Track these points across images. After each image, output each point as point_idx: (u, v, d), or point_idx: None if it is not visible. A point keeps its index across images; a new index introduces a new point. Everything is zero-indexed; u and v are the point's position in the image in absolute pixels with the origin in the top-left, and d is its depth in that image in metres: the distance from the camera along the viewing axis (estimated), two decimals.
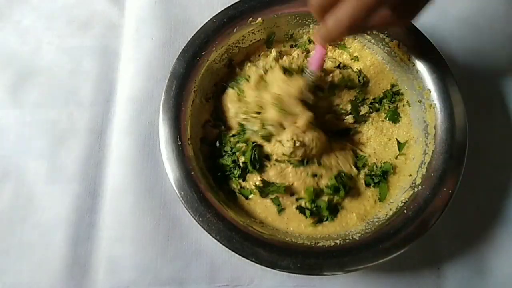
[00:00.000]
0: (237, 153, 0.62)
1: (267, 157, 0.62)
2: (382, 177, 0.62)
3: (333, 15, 0.47)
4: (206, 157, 0.63)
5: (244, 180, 0.62)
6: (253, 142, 0.62)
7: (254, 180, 0.61)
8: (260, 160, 0.61)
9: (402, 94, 0.66)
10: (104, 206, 0.64)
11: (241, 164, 0.62)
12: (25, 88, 0.71)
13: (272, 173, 0.62)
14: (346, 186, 0.61)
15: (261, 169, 0.62)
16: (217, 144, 0.64)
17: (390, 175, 0.63)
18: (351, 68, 0.69)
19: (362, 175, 0.63)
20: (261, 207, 0.61)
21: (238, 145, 0.62)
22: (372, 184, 0.62)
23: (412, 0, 0.49)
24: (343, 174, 0.61)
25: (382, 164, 0.63)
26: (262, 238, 0.55)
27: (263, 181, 0.61)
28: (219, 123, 0.65)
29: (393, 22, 0.49)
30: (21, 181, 0.66)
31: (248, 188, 0.62)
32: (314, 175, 0.61)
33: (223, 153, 0.63)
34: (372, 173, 0.63)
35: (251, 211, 0.61)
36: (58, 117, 0.69)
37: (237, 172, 0.62)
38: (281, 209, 0.61)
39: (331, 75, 0.66)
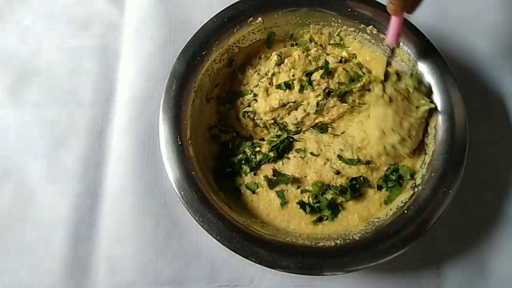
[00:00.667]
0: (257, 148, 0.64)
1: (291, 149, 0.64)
2: (396, 182, 0.62)
3: None
4: (212, 156, 0.64)
5: (255, 174, 0.63)
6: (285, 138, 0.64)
7: (266, 172, 0.62)
8: (283, 151, 0.63)
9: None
10: (104, 206, 0.64)
11: (257, 157, 0.63)
12: (25, 88, 0.71)
13: (292, 166, 0.63)
14: (356, 192, 0.61)
15: (279, 160, 0.63)
16: (230, 145, 0.65)
17: (405, 180, 0.62)
18: (352, 62, 0.69)
19: (376, 178, 0.62)
20: (265, 201, 0.61)
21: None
22: (384, 188, 0.62)
23: None
24: (361, 180, 0.61)
25: (400, 167, 0.62)
26: (262, 238, 0.55)
27: (274, 171, 0.62)
28: (230, 129, 0.66)
29: None
30: (21, 181, 0.66)
31: (256, 182, 0.62)
32: (338, 172, 0.62)
33: (237, 152, 0.64)
34: (388, 177, 0.62)
35: (253, 208, 0.61)
36: (58, 117, 0.69)
37: (247, 167, 0.63)
38: (284, 202, 0.61)
39: (336, 75, 0.65)
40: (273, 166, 0.63)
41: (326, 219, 0.60)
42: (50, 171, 0.66)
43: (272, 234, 0.57)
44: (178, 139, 0.59)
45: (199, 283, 0.61)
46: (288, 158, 0.63)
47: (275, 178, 0.62)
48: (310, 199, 0.61)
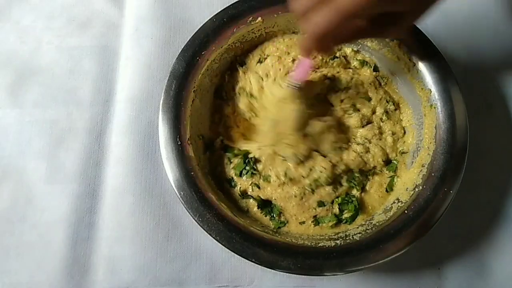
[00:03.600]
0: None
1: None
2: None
3: (308, 19, 0.46)
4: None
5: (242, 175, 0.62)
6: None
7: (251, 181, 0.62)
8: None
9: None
10: (103, 206, 0.64)
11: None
12: (24, 87, 0.71)
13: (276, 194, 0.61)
14: (357, 214, 0.61)
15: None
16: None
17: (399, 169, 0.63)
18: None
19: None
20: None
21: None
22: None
23: (390, 16, 0.48)
24: (353, 199, 0.61)
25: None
26: (262, 238, 0.55)
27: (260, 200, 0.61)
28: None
29: (371, 34, 0.51)
30: (20, 181, 0.66)
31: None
32: (321, 204, 0.61)
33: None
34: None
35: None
36: (58, 117, 0.69)
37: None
38: (277, 225, 0.61)
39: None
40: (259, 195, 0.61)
41: (345, 222, 0.60)
42: (49, 171, 0.66)
43: (272, 234, 0.57)
44: (178, 139, 0.59)
45: (199, 283, 0.61)
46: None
47: (264, 204, 0.61)
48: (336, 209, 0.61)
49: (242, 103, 0.65)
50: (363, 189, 0.62)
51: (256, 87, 0.65)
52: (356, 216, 0.60)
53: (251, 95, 0.65)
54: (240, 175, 0.62)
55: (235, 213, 0.58)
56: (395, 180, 0.63)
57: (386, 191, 0.62)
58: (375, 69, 0.68)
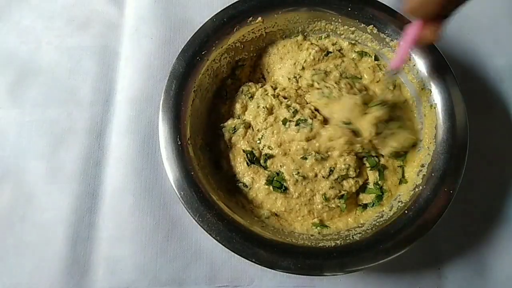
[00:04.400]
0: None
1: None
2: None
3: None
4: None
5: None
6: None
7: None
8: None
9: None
10: (103, 206, 0.64)
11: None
12: (24, 87, 0.71)
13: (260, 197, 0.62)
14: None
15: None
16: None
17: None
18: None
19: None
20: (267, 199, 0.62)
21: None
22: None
23: None
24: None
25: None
26: (262, 238, 0.55)
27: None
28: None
29: None
30: (20, 181, 0.66)
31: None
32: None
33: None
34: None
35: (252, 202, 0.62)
36: (58, 117, 0.69)
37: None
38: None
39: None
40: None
41: (373, 205, 0.61)
42: (50, 171, 0.66)
43: (272, 235, 0.57)
44: (178, 139, 0.59)
45: (199, 283, 0.61)
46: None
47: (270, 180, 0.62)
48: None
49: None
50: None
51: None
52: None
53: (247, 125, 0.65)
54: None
55: (233, 209, 0.58)
56: (405, 170, 0.63)
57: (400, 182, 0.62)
58: (376, 58, 0.68)
